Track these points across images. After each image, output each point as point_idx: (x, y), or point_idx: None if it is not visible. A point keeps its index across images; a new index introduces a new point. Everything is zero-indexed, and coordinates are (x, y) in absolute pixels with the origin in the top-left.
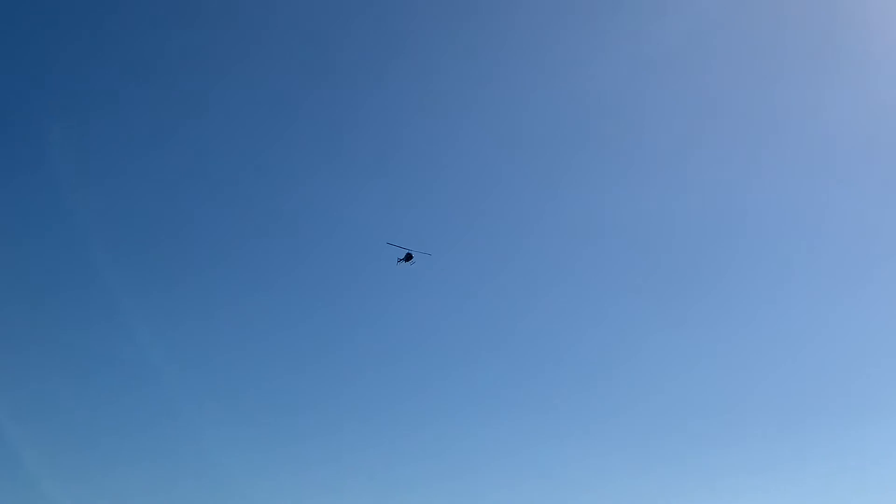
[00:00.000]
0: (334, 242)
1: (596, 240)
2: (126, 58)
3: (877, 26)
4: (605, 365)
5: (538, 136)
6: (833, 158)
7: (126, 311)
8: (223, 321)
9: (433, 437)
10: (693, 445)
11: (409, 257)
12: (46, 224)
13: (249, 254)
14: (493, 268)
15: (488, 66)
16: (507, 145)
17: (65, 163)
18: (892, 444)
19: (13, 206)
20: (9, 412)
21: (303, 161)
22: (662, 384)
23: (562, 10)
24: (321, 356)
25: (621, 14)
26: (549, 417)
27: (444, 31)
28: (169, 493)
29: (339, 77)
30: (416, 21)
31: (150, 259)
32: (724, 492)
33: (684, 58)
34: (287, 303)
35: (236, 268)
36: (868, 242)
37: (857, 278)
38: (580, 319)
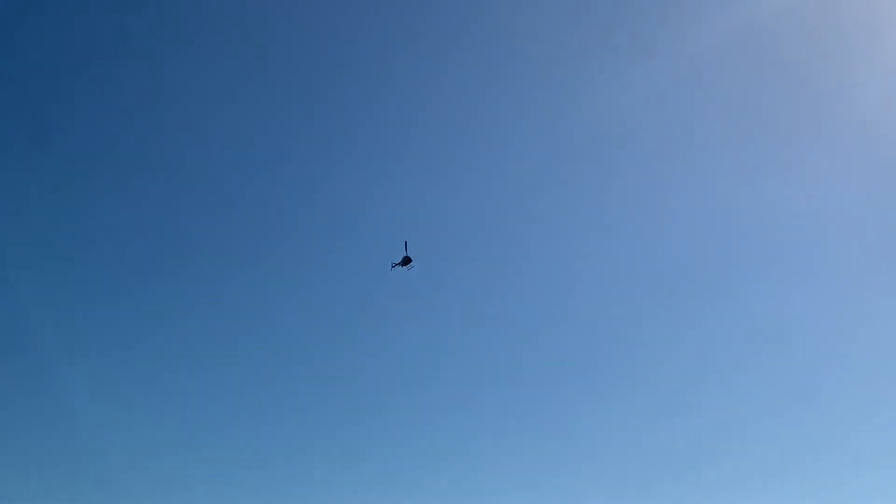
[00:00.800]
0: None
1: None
2: (124, 54)
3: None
4: (607, 369)
5: (540, 140)
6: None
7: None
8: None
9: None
10: (696, 453)
11: (406, 261)
12: None
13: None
14: (495, 270)
15: (494, 69)
16: (509, 148)
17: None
18: None
19: None
20: None
21: (307, 163)
22: (665, 390)
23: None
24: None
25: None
26: (546, 421)
27: (452, 32)
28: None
29: (346, 77)
30: (423, 21)
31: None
32: None
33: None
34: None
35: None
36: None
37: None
38: (584, 322)
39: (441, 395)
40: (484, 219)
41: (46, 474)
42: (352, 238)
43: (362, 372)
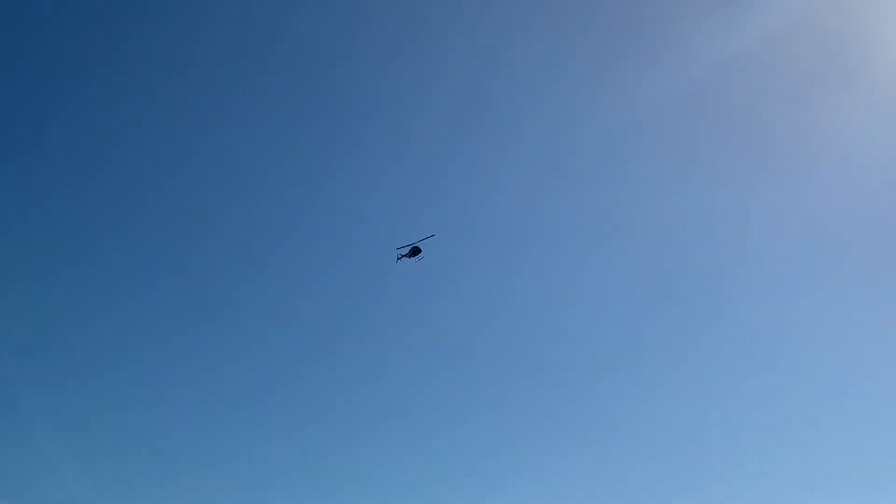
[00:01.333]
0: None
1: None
2: (123, 56)
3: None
4: (612, 373)
5: (539, 137)
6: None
7: None
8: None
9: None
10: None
11: (415, 252)
12: None
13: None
14: (498, 268)
15: (495, 69)
16: (509, 145)
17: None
18: None
19: None
20: None
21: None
22: (671, 395)
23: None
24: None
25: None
26: (545, 420)
27: (450, 31)
28: None
29: (344, 76)
30: (420, 21)
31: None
32: None
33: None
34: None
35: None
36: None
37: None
38: (589, 326)
39: (445, 397)
40: (487, 222)
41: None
42: (355, 237)
43: (363, 373)
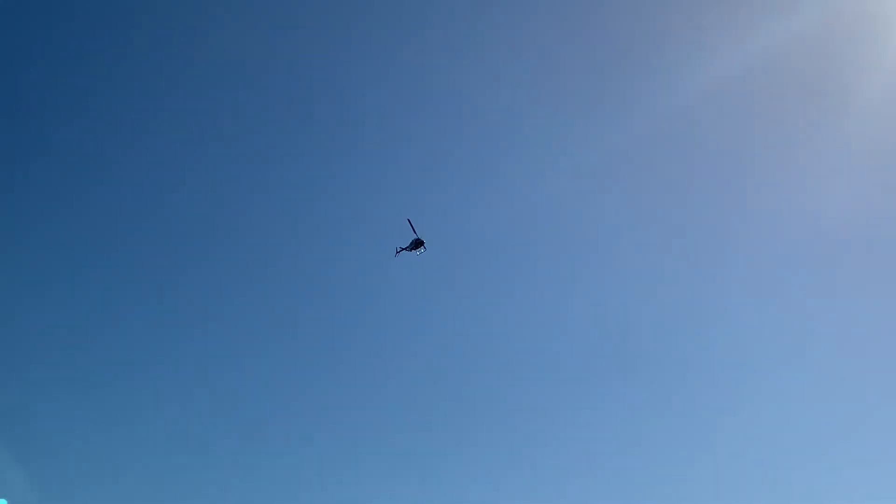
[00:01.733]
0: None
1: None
2: (114, 52)
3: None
4: (613, 372)
5: (539, 140)
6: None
7: None
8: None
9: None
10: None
11: (417, 244)
12: None
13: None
14: (497, 271)
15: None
16: (509, 148)
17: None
18: None
19: None
20: None
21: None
22: (673, 395)
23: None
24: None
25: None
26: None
27: (447, 29)
28: None
29: (344, 79)
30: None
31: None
32: None
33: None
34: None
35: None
36: None
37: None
38: (590, 326)
39: (445, 398)
40: (484, 226)
41: None
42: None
43: (362, 374)
